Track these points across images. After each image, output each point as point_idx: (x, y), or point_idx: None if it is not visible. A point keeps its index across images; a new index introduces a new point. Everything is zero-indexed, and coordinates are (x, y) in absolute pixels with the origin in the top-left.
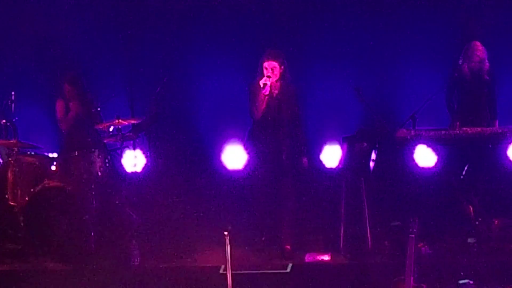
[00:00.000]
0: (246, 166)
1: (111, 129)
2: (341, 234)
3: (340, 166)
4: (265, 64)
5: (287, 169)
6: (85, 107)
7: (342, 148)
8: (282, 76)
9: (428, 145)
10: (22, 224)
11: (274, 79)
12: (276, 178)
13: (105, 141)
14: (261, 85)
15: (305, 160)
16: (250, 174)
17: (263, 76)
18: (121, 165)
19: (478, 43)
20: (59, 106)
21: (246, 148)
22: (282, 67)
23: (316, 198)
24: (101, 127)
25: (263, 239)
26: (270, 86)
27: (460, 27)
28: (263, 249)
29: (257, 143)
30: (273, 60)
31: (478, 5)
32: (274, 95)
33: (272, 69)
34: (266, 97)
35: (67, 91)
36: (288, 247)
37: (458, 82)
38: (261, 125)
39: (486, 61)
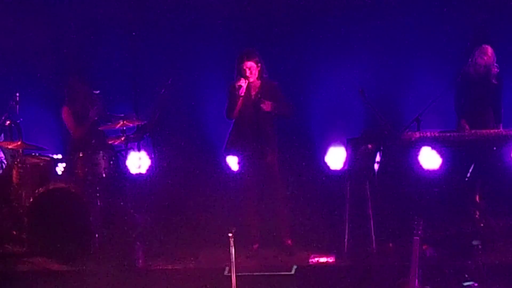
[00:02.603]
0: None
1: None
2: (346, 236)
3: (345, 168)
4: (242, 66)
5: (273, 168)
6: (102, 109)
7: (346, 150)
8: (260, 75)
9: (433, 147)
10: (26, 225)
11: (252, 79)
12: (263, 179)
13: (109, 142)
14: (237, 86)
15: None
16: (239, 177)
17: (241, 77)
18: (126, 167)
19: (487, 47)
20: (67, 113)
21: (225, 151)
22: (259, 65)
23: (321, 200)
24: (105, 128)
25: (255, 246)
26: (247, 87)
27: (467, 29)
28: (268, 250)
29: (238, 145)
30: (249, 60)
31: (486, 7)
32: (253, 95)
33: (249, 69)
34: (241, 98)
35: (84, 93)
36: (289, 241)
37: (464, 84)
38: (239, 126)
39: (495, 65)
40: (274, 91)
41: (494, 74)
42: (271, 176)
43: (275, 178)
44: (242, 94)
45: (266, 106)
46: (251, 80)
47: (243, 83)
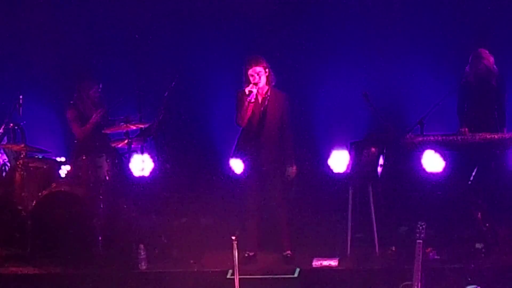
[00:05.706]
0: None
1: None
2: (349, 239)
3: (348, 171)
4: (250, 71)
5: (272, 177)
6: (105, 112)
7: (350, 153)
8: (268, 81)
9: (436, 150)
10: (29, 228)
11: (261, 84)
12: (263, 186)
13: (113, 145)
14: (247, 92)
15: (293, 169)
16: (242, 182)
17: (249, 83)
18: (129, 170)
19: (483, 51)
20: (73, 116)
21: (232, 156)
22: (267, 70)
23: (324, 203)
24: (109, 131)
25: (246, 255)
26: (256, 93)
27: (470, 33)
28: (271, 253)
29: (243, 151)
30: (257, 66)
31: (488, 10)
32: (260, 101)
33: (257, 75)
34: (251, 104)
35: (93, 93)
36: (289, 252)
37: (466, 89)
38: (246, 132)
39: (494, 67)
40: (281, 102)
41: (494, 76)
42: (272, 185)
43: (276, 188)
44: (253, 100)
45: (292, 171)
46: (260, 85)
47: (253, 88)
